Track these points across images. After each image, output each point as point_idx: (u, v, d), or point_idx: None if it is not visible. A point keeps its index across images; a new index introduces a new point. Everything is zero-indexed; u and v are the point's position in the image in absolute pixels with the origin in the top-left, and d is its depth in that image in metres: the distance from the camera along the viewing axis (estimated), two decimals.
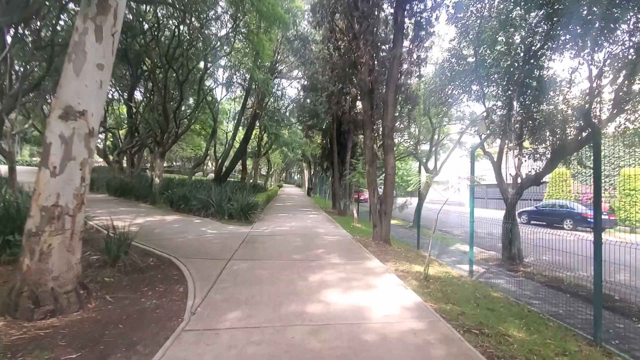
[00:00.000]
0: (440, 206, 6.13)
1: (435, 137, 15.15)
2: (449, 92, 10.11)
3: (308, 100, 14.50)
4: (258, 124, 23.30)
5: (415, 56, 8.60)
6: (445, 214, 9.47)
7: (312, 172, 40.35)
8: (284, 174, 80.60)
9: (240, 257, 5.95)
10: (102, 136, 32.55)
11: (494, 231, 9.27)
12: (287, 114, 20.36)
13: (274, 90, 13.70)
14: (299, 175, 76.56)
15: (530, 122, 7.87)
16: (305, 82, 15.19)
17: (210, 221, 10.13)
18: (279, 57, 17.58)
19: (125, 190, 15.47)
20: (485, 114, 8.54)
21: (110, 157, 26.04)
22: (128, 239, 5.83)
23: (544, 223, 16.98)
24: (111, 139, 29.78)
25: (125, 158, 28.97)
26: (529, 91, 7.92)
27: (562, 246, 5.14)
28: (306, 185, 46.55)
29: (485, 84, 8.72)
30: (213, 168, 57.66)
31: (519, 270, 7.87)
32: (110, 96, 25.66)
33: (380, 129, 8.96)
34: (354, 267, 5.68)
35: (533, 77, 7.78)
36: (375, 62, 8.45)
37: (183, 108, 20.71)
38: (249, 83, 16.43)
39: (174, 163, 56.65)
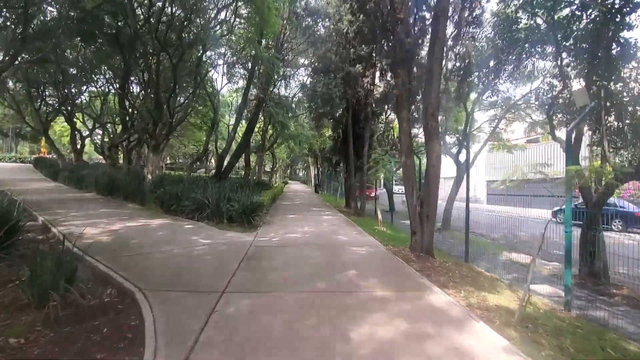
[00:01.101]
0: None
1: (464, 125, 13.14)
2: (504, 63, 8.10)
3: (319, 85, 12.52)
4: (262, 115, 21.41)
5: (467, 13, 6.59)
6: (474, 213, 7.55)
7: (319, 168, 38.37)
8: (288, 170, 78.86)
9: (239, 288, 4.06)
10: (99, 131, 31.00)
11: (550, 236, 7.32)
12: (294, 103, 18.40)
13: (280, 72, 11.76)
14: (304, 172, 74.81)
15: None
16: (317, 64, 13.22)
17: (205, 226, 8.26)
18: (285, 36, 15.60)
19: (113, 188, 13.67)
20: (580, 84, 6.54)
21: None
22: (76, 259, 3.99)
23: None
24: (111, 135, 28.09)
25: (121, 154, 27.32)
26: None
27: None
28: (313, 182, 44.68)
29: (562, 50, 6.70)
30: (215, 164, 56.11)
31: (611, 293, 5.90)
32: (105, 89, 24.02)
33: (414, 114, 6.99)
34: (413, 306, 3.76)
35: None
36: (416, 18, 6.46)
37: (179, 99, 18.94)
38: (252, 65, 14.52)
39: (177, 160, 54.94)
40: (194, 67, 17.48)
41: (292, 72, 13.32)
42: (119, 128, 24.36)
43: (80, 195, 14.47)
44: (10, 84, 25.37)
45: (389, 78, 8.50)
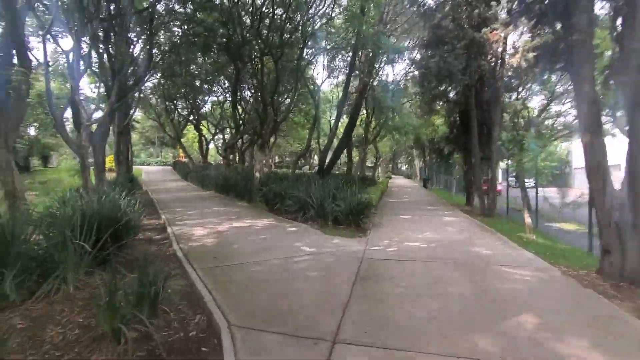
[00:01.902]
0: None
1: None
2: None
3: (433, 60, 10.43)
4: (365, 107, 20.15)
5: None
6: None
7: (425, 161, 35.05)
8: (390, 165, 75.91)
9: (355, 335, 2.79)
10: (220, 136, 34.89)
11: None
12: (400, 90, 16.50)
13: (386, 47, 10.16)
14: (407, 166, 70.79)
15: None
16: (430, 35, 11.11)
17: (309, 229, 7.38)
18: (389, 15, 13.89)
19: (225, 187, 14.40)
20: None
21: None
22: (165, 276, 3.36)
23: None
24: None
25: (236, 155, 29.91)
26: None
27: None
28: (419, 176, 41.35)
29: None
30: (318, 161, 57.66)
31: None
32: (223, 97, 26.56)
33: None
34: None
35: None
36: None
37: (282, 99, 19.25)
38: (353, 53, 13.34)
39: (284, 159, 58.54)
40: (294, 64, 17.43)
41: (398, 54, 11.55)
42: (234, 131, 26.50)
43: (201, 193, 15.77)
44: (153, 100, 30.54)
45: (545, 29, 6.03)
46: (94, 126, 11.29)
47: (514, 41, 10.42)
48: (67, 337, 2.72)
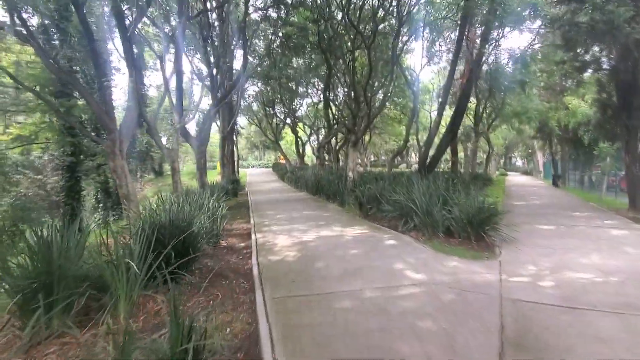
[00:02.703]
0: None
1: None
2: None
3: (581, 11, 7.52)
4: (475, 93, 17.06)
5: None
6: None
7: (553, 153, 28.69)
8: (501, 160, 66.28)
9: None
10: (315, 137, 35.31)
11: None
12: (524, 61, 13.21)
13: (509, 6, 7.66)
14: (523, 160, 60.61)
15: None
16: None
17: (412, 243, 5.79)
18: None
19: (317, 188, 13.70)
20: None
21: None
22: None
23: None
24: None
25: (330, 154, 29.59)
26: None
27: None
28: (542, 172, 34.38)
29: None
30: (417, 158, 53.58)
31: None
32: (317, 99, 26.55)
33: None
34: None
35: None
36: None
37: (377, 90, 17.74)
38: (461, 24, 10.94)
39: (380, 157, 56.45)
40: (389, 55, 15.80)
41: (530, 11, 8.71)
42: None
43: (293, 195, 15.49)
44: (255, 107, 32.64)
45: None
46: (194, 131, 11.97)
47: None
48: None
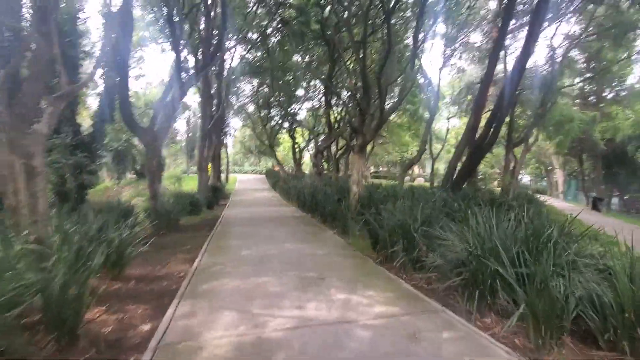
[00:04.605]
0: None
1: None
2: None
3: None
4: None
5: None
6: None
7: (583, 171, 25.50)
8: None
9: None
10: (313, 144, 32.11)
11: None
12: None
13: None
14: (531, 178, 57.81)
15: None
16: None
17: (499, 348, 2.53)
18: None
19: (312, 204, 10.45)
20: None
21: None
22: None
23: None
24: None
25: (329, 162, 26.35)
26: None
27: None
28: (561, 190, 31.18)
29: None
30: (421, 171, 50.20)
31: None
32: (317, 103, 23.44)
33: None
34: None
35: None
36: None
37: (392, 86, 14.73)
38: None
39: (380, 168, 52.84)
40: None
41: None
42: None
43: (281, 210, 12.22)
44: (251, 108, 29.58)
45: None
46: None
47: None
48: None
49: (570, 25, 14.69)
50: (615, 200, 20.87)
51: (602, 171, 20.67)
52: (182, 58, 9.83)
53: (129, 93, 8.95)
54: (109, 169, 26.65)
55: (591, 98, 19.66)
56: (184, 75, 9.93)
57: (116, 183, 25.13)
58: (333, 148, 23.94)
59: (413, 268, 4.52)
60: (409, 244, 4.60)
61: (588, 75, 15.67)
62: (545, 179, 40.85)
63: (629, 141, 15.71)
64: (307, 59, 18.32)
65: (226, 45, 16.88)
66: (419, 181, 39.52)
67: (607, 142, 17.04)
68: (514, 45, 14.76)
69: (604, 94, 18.62)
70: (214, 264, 4.87)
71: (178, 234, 7.60)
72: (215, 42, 11.17)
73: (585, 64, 15.60)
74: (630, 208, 19.20)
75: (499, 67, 13.48)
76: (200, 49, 12.53)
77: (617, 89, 17.88)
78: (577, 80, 16.49)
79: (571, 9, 12.02)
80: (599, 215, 15.37)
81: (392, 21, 10.29)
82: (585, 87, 18.54)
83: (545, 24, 12.55)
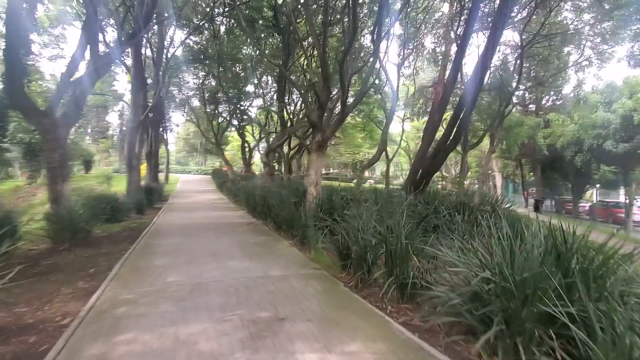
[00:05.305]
0: None
1: None
2: None
3: None
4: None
5: None
6: None
7: (523, 176, 27.06)
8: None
9: None
10: (264, 144, 30.35)
11: None
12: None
13: None
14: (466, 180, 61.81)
15: None
16: None
17: None
18: None
19: (264, 209, 9.06)
20: None
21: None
22: None
23: None
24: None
25: (281, 163, 24.96)
26: None
27: None
28: (498, 192, 33.25)
29: None
30: (370, 173, 50.69)
31: None
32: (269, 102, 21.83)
33: None
34: None
35: None
36: None
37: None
38: None
39: (331, 169, 52.27)
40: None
41: None
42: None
43: (227, 215, 10.61)
44: (196, 103, 26.99)
45: None
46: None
47: None
48: None
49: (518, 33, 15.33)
50: (547, 202, 22.58)
51: (540, 176, 22.12)
52: (99, 18, 7.76)
53: (26, 63, 6.81)
54: (22, 166, 22.42)
55: (531, 105, 20.80)
56: (103, 47, 7.96)
57: (29, 182, 20.94)
58: (285, 148, 22.61)
59: (400, 295, 3.44)
60: (395, 264, 3.51)
61: (529, 84, 16.31)
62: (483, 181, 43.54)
63: (568, 147, 16.74)
64: (258, 52, 16.85)
65: (165, 22, 14.76)
66: (369, 183, 39.68)
67: (548, 148, 18.09)
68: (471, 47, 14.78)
69: (543, 102, 19.73)
70: (120, 301, 3.34)
71: (86, 248, 5.76)
72: (147, 3, 9.24)
73: (529, 71, 16.22)
74: (560, 209, 20.70)
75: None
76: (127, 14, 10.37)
77: (553, 98, 18.98)
78: (521, 86, 17.08)
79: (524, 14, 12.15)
80: (542, 216, 16.05)
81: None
82: (525, 94, 19.45)
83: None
